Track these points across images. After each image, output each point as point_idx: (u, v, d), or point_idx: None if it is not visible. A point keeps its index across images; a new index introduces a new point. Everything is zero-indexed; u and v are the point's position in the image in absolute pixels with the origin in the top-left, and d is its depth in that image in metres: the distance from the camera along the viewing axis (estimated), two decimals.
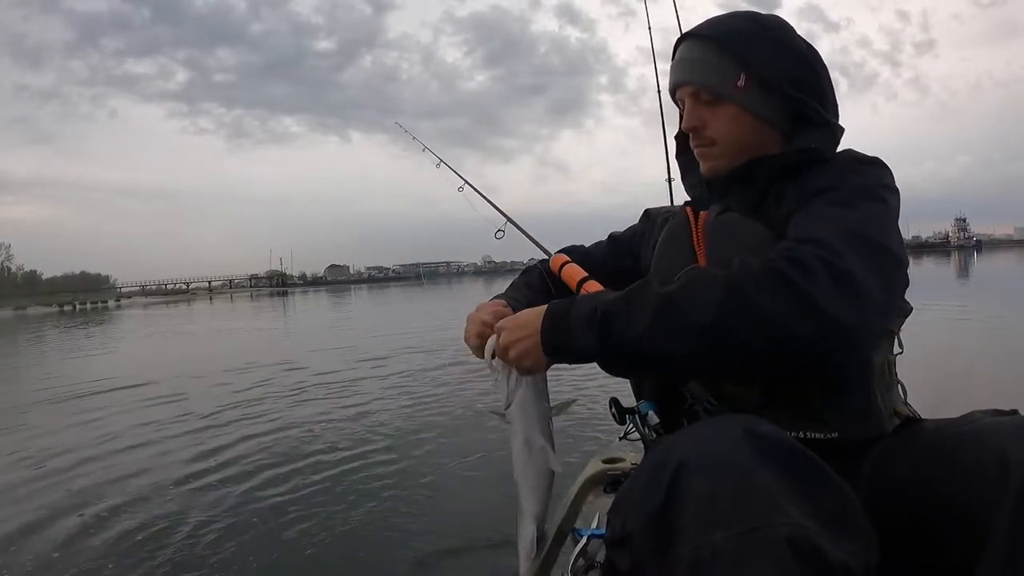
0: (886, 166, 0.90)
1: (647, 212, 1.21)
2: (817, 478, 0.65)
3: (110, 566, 2.48)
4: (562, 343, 0.86)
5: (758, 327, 0.71)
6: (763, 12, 1.00)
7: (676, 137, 1.11)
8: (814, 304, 0.70)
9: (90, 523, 2.94)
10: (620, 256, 1.20)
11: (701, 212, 1.02)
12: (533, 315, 0.90)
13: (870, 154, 0.92)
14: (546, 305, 0.89)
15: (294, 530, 2.70)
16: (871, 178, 0.87)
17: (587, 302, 0.85)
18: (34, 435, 4.98)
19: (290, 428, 4.58)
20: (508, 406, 1.03)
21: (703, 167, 1.02)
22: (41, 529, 2.89)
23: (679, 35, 1.04)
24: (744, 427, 0.67)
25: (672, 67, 1.03)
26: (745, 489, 0.61)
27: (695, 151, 1.02)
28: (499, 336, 0.94)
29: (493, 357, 0.99)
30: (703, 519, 0.61)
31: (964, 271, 24.24)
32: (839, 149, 0.95)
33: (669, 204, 1.41)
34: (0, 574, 2.48)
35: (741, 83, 0.94)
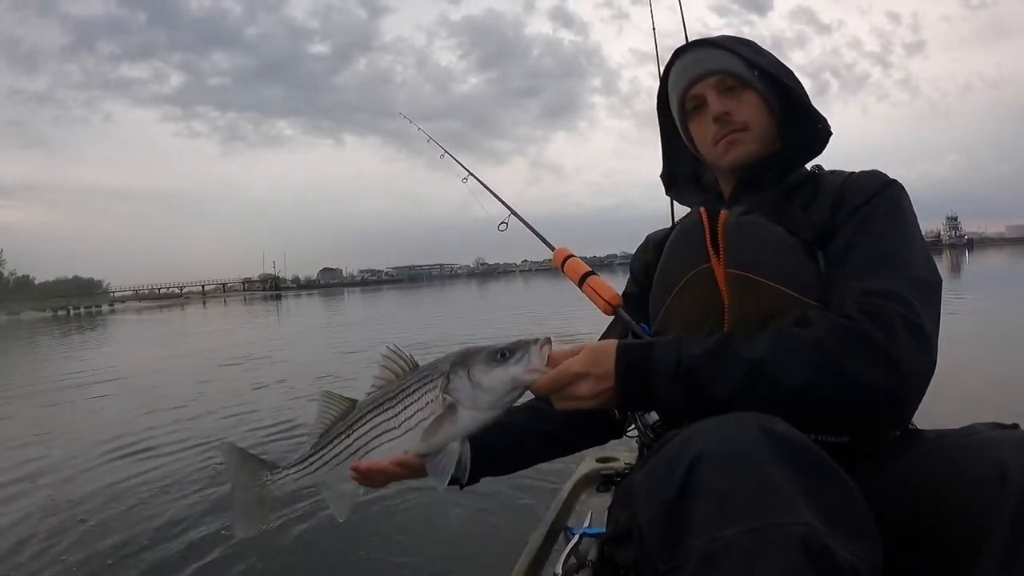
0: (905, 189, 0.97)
1: (647, 239, 1.21)
2: (829, 479, 0.66)
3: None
4: (643, 396, 0.84)
5: (847, 389, 0.77)
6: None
7: (662, 175, 1.19)
8: (898, 364, 0.76)
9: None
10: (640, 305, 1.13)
11: (722, 212, 1.01)
12: (607, 362, 0.82)
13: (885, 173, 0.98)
14: (615, 346, 0.83)
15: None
16: (910, 210, 0.93)
17: (667, 352, 0.82)
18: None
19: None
20: (480, 406, 0.81)
21: (731, 155, 1.03)
22: None
23: (680, 38, 1.08)
24: (760, 425, 0.67)
25: (684, 68, 1.07)
26: (760, 486, 0.61)
27: (721, 143, 1.03)
28: (580, 380, 0.82)
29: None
30: (716, 514, 0.61)
31: (956, 269, 24.33)
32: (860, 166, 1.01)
33: (669, 202, 1.43)
34: None
35: (756, 73, 1.02)
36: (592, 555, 1.15)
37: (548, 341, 0.83)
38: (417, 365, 0.86)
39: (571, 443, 1.11)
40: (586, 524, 1.31)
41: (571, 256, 1.19)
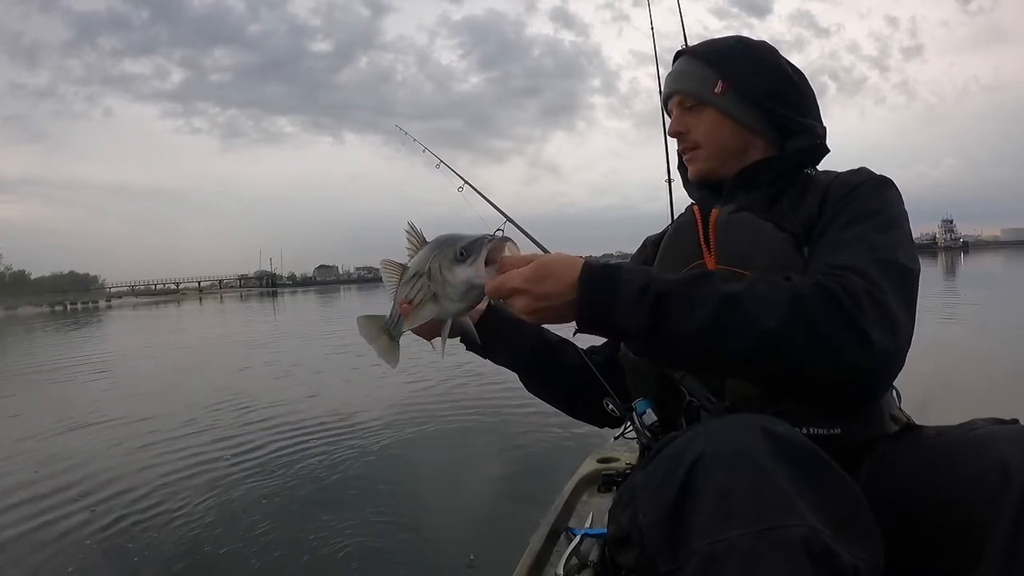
0: (896, 186, 0.96)
1: (645, 241, 1.22)
2: (830, 480, 0.66)
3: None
4: (603, 317, 0.77)
5: (815, 341, 0.74)
6: (754, 38, 1.09)
7: (679, 167, 1.17)
8: (865, 333, 0.73)
9: None
10: None
11: (713, 211, 1.02)
12: (565, 279, 0.77)
13: (879, 173, 0.97)
14: (581, 263, 0.79)
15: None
16: (894, 203, 0.93)
17: (637, 276, 0.78)
18: None
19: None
20: (451, 298, 0.86)
21: (690, 171, 1.09)
22: None
23: (679, 40, 1.09)
24: (762, 426, 0.67)
25: (667, 79, 1.12)
26: (763, 488, 0.61)
27: (683, 157, 1.10)
28: (517, 295, 0.79)
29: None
30: (719, 515, 0.61)
31: (951, 272, 24.40)
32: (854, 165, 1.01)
33: (669, 203, 1.44)
34: None
35: (718, 89, 1.03)
36: (594, 556, 1.15)
37: (501, 241, 0.81)
38: (425, 241, 0.91)
39: (572, 400, 1.18)
40: (587, 525, 1.31)
41: None
